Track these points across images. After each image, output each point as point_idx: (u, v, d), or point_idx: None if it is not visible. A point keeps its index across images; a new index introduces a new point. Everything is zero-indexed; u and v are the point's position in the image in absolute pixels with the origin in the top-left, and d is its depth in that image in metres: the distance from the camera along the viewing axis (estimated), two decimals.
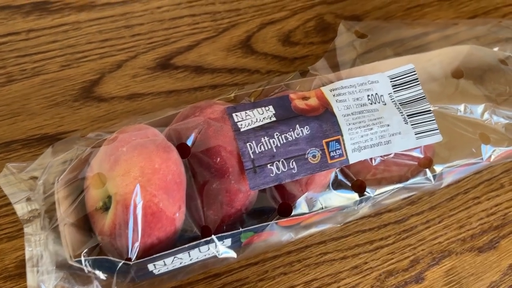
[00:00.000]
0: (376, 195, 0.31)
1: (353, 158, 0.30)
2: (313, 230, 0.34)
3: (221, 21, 0.41)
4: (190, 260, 0.30)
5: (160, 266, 0.29)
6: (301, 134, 0.29)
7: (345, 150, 0.30)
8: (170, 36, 0.40)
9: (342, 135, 0.30)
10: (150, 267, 0.28)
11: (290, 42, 0.41)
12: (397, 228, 0.37)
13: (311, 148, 0.29)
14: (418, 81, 0.33)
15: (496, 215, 0.38)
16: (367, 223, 0.36)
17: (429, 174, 0.32)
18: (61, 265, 0.27)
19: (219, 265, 0.33)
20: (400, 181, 0.32)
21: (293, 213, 0.30)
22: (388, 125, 0.31)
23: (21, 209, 0.29)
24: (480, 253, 0.37)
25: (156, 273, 0.30)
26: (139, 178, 0.26)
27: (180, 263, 0.30)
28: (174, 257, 0.28)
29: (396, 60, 0.35)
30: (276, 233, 0.32)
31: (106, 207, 0.28)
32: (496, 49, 0.40)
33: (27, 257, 0.27)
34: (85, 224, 0.29)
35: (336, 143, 0.30)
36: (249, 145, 0.28)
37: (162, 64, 0.39)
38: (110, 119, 0.36)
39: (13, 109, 0.36)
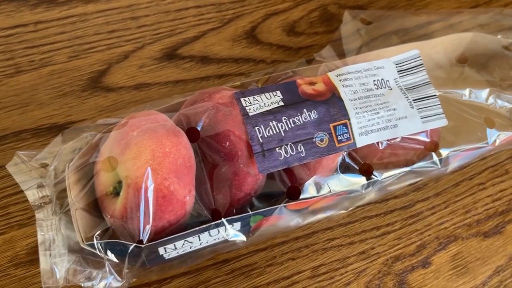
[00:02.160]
0: (383, 179, 0.31)
1: (361, 142, 0.30)
2: (320, 215, 0.34)
3: (226, 12, 0.41)
4: (200, 244, 0.30)
5: (170, 250, 0.29)
6: (308, 118, 0.30)
7: (353, 134, 0.30)
8: (176, 27, 0.40)
9: (349, 119, 0.30)
10: (161, 250, 0.29)
11: (294, 32, 0.42)
12: (403, 214, 0.37)
13: (319, 132, 0.30)
14: (423, 67, 0.33)
15: (501, 201, 0.38)
16: (374, 209, 0.37)
17: (435, 158, 0.32)
18: (73, 249, 0.28)
19: (228, 250, 0.33)
20: (406, 165, 0.32)
21: (301, 197, 0.30)
22: (395, 109, 0.31)
23: (32, 195, 0.29)
24: (486, 238, 0.37)
25: (166, 258, 0.30)
26: (150, 161, 0.27)
27: (190, 248, 0.30)
28: (185, 241, 0.29)
29: (400, 47, 0.35)
30: (284, 217, 0.32)
31: (116, 192, 0.28)
32: (499, 36, 0.40)
33: (39, 241, 0.28)
34: (95, 209, 0.29)
35: (344, 127, 0.30)
36: (258, 129, 0.29)
37: (169, 54, 0.39)
38: (118, 108, 0.37)
39: (22, 99, 0.36)
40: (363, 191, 0.32)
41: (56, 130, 0.35)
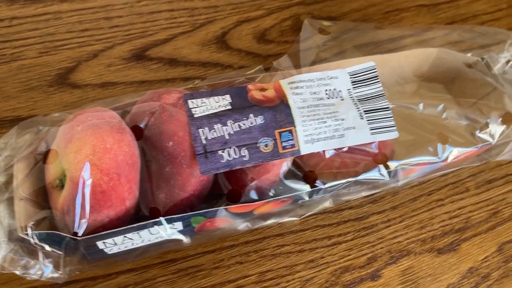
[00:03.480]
0: (327, 188, 0.31)
1: (305, 149, 0.30)
2: (271, 221, 0.34)
3: (199, 16, 0.42)
4: (142, 241, 0.31)
5: (111, 245, 0.30)
6: (254, 123, 0.30)
7: (298, 141, 0.30)
8: (147, 29, 0.41)
9: (295, 126, 0.30)
10: (100, 245, 0.29)
11: (265, 40, 0.42)
12: (356, 225, 0.37)
13: (264, 138, 0.30)
14: (378, 79, 0.33)
15: (459, 218, 0.38)
16: (327, 218, 0.37)
17: (383, 170, 0.32)
18: (13, 238, 0.28)
19: (174, 248, 0.33)
20: (355, 177, 0.32)
21: (242, 200, 0.30)
22: (343, 120, 0.31)
23: None
24: (440, 255, 0.37)
25: (108, 253, 0.31)
26: (90, 156, 0.27)
27: (132, 244, 0.30)
28: (124, 237, 0.29)
29: (362, 59, 0.36)
30: (230, 221, 0.32)
31: (62, 185, 0.29)
32: (469, 54, 0.40)
33: None
34: (43, 200, 0.30)
35: (289, 134, 0.30)
36: (202, 131, 0.29)
37: (137, 55, 0.40)
38: (82, 105, 0.37)
39: None
40: (308, 199, 0.32)
41: (18, 122, 0.36)
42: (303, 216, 0.36)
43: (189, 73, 0.40)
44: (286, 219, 0.35)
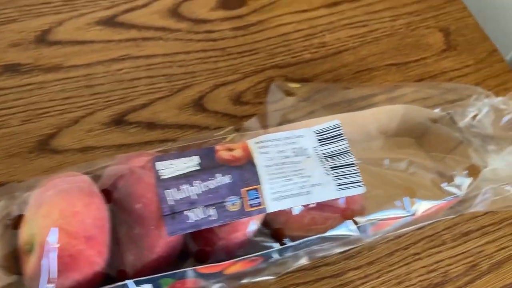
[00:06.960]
0: (295, 245, 0.31)
1: (272, 207, 0.31)
2: (246, 280, 0.34)
3: (177, 82, 0.44)
4: None
5: None
6: (221, 183, 0.31)
7: (264, 199, 0.31)
8: (127, 95, 0.43)
9: (261, 184, 0.31)
10: None
11: (240, 101, 0.44)
12: (333, 282, 0.37)
13: (231, 196, 0.31)
14: (343, 136, 0.34)
15: (437, 272, 0.38)
16: (303, 276, 0.37)
17: (351, 225, 0.32)
18: None
19: None
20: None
21: (210, 261, 0.30)
22: (309, 176, 0.32)
23: None
24: None
25: None
26: (59, 220, 0.28)
27: None
28: None
29: (329, 118, 0.37)
30: (201, 282, 0.32)
31: (32, 250, 0.29)
32: (437, 110, 0.42)
33: None
34: (15, 265, 0.30)
35: (255, 192, 0.31)
36: (169, 192, 0.30)
37: (117, 120, 0.42)
38: (61, 170, 0.38)
39: None
40: (279, 257, 0.32)
41: None
42: (279, 275, 0.36)
43: (166, 135, 0.41)
44: (262, 278, 0.35)
